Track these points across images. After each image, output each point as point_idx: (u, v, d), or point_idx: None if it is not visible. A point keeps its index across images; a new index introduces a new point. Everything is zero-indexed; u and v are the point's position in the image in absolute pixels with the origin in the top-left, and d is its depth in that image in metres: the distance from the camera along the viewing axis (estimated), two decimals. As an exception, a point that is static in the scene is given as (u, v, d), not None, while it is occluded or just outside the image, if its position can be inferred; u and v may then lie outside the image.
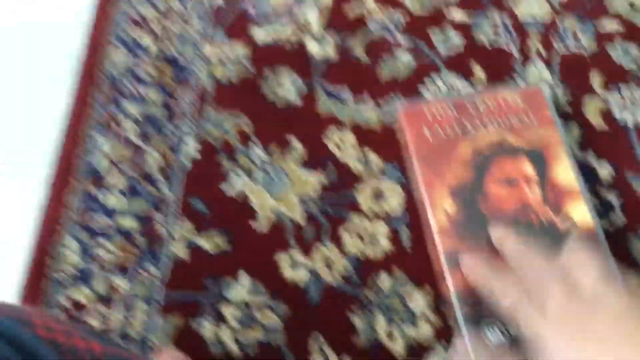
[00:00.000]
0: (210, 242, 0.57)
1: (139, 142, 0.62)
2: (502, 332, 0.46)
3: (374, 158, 0.60)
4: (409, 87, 0.63)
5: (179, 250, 0.57)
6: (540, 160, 0.53)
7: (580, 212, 0.51)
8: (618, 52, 0.63)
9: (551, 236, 0.50)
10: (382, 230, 0.57)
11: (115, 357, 0.36)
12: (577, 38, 0.63)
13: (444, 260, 0.50)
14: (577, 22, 0.64)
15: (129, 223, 0.58)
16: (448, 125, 0.55)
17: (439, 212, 0.52)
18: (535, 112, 0.55)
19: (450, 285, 0.49)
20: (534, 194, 0.52)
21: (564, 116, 0.60)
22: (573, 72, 0.62)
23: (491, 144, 0.54)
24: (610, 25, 0.64)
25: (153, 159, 0.61)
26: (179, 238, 0.58)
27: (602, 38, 0.63)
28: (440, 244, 0.51)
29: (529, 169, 0.53)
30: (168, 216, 0.59)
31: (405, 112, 0.56)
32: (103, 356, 0.35)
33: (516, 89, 0.57)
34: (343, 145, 0.61)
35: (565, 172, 0.52)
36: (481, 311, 0.46)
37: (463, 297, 0.48)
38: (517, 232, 0.49)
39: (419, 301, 0.54)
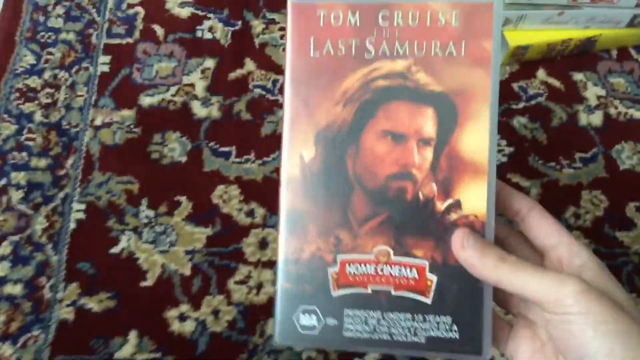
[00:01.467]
0: (98, 303, 0.58)
1: (25, 209, 0.63)
2: (318, 320, 0.37)
3: (258, 210, 0.63)
4: (289, 141, 0.67)
5: (66, 313, 0.58)
6: (450, 114, 0.36)
7: (475, 196, 0.36)
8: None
9: (424, 219, 0.37)
10: (267, 276, 0.60)
11: None
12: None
13: (283, 219, 0.38)
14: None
15: (14, 289, 0.59)
16: (344, 39, 0.37)
17: (294, 156, 0.38)
18: (472, 41, 0.36)
19: (281, 251, 0.37)
20: (422, 159, 0.36)
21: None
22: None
23: (388, 79, 0.37)
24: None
25: (39, 224, 0.62)
26: (66, 301, 0.58)
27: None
28: (282, 197, 0.38)
29: (428, 124, 0.36)
30: (54, 279, 0.59)
31: (295, 10, 0.37)
32: None
33: None
34: (229, 200, 0.64)
35: (477, 138, 0.36)
36: (304, 292, 0.37)
37: (290, 269, 0.37)
38: (377, 206, 0.37)
39: (303, 342, 0.57)
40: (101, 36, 0.73)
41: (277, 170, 0.65)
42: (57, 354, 0.56)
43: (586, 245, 0.35)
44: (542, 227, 0.36)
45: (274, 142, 0.67)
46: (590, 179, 0.66)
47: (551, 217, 0.36)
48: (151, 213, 0.63)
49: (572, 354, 0.31)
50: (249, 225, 0.63)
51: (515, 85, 0.71)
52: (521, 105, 0.70)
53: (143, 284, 0.60)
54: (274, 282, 0.59)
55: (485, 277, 0.34)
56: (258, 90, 0.70)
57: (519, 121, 0.69)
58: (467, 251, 0.34)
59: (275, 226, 0.63)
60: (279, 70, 0.71)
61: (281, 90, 0.70)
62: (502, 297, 0.38)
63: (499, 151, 0.67)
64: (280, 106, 0.69)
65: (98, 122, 0.67)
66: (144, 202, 0.63)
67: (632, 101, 0.72)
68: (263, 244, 0.62)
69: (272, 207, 0.64)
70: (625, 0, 0.70)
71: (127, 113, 0.68)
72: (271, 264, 0.60)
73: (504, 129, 0.68)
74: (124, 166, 0.65)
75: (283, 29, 0.74)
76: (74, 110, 0.68)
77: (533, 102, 0.70)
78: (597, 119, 0.70)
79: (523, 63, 0.73)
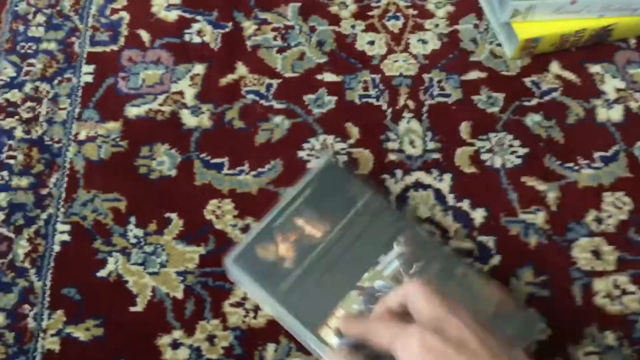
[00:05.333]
0: (84, 331, 0.54)
1: (6, 232, 0.59)
2: None
3: (254, 225, 0.59)
4: (286, 149, 0.63)
5: (51, 343, 0.54)
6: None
7: None
8: (482, 99, 0.65)
9: None
10: (265, 298, 0.56)
11: None
12: (443, 89, 0.66)
13: None
14: (442, 73, 0.67)
15: (-5, 320, 0.55)
16: None
17: None
18: None
19: None
20: None
21: (435, 165, 0.61)
22: (442, 122, 0.64)
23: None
24: (473, 74, 0.67)
25: (21, 248, 0.58)
26: (51, 330, 0.54)
27: (467, 86, 0.66)
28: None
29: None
30: (38, 307, 0.55)
31: None
32: None
33: None
34: (222, 214, 0.59)
35: None
36: None
37: None
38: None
39: (305, 368, 0.53)
40: (84, 44, 0.69)
41: (272, 182, 0.61)
42: (42, 389, 0.52)
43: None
44: None
45: (269, 151, 0.62)
46: (612, 179, 0.61)
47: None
48: (140, 232, 0.59)
49: None
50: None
51: (527, 81, 0.66)
52: (534, 101, 0.65)
53: (132, 309, 0.55)
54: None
55: None
56: (251, 96, 0.66)
57: (532, 119, 0.64)
58: None
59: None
60: (273, 73, 0.67)
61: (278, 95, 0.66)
62: None
63: (512, 152, 0.62)
64: (275, 112, 0.65)
65: (82, 136, 0.63)
66: (132, 220, 0.59)
67: (654, 93, 0.67)
68: (260, 262, 0.57)
69: (269, 221, 0.59)
70: (643, -15, 0.64)
71: (113, 125, 0.64)
72: (269, 284, 0.56)
73: (516, 128, 0.63)
74: (110, 183, 0.61)
75: (276, 29, 0.70)
76: (57, 125, 0.64)
77: (547, 98, 0.65)
78: (617, 113, 0.65)
79: (535, 56, 0.68)
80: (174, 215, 0.59)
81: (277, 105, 0.65)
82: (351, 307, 0.44)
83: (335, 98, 0.65)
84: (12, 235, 0.59)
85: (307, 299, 0.46)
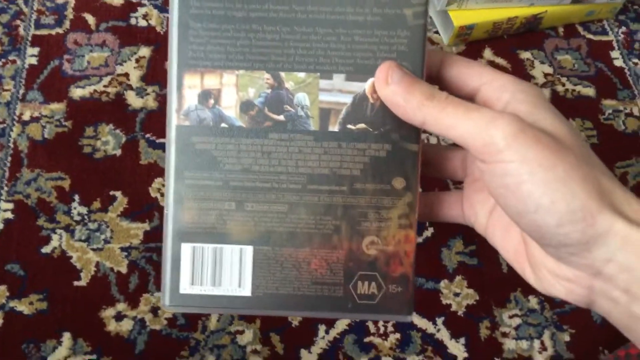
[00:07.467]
0: (28, 305, 0.55)
1: (-51, 210, 0.59)
2: None
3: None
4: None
5: (-7, 318, 0.54)
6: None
7: None
8: (420, 82, 0.68)
9: None
10: (208, 271, 0.57)
11: None
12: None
13: None
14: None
15: None
16: None
17: None
18: None
19: None
20: None
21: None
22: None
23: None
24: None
25: (-37, 226, 0.58)
26: (-8, 305, 0.55)
27: (405, 70, 0.69)
28: None
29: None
30: (-20, 283, 0.56)
31: None
32: None
33: None
34: (167, 192, 0.61)
35: None
36: None
37: None
38: None
39: (247, 335, 0.55)
40: (29, 27, 0.69)
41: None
42: (-16, 362, 0.53)
43: (515, 77, 0.28)
44: (461, 74, 0.30)
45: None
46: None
47: (469, 60, 0.30)
48: (84, 210, 0.60)
49: (511, 211, 0.26)
50: (189, 218, 0.60)
51: (461, 65, 0.70)
52: (467, 85, 0.68)
53: (76, 283, 0.56)
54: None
55: (409, 117, 0.28)
56: (196, 78, 0.67)
57: (465, 101, 0.67)
58: (390, 87, 0.28)
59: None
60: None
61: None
62: (441, 163, 0.34)
63: (445, 132, 0.65)
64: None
65: (26, 116, 0.64)
66: (76, 198, 0.60)
67: (580, 78, 0.71)
68: (204, 237, 0.59)
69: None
70: (568, -24, 0.69)
71: (57, 106, 0.64)
72: (212, 257, 0.58)
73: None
74: (54, 162, 0.62)
75: (222, 14, 0.71)
76: (1, 106, 0.64)
77: (479, 82, 0.69)
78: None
79: (469, 43, 0.72)
80: (118, 193, 0.61)
81: (221, 87, 0.67)
82: (245, 90, 0.29)
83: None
84: (-46, 213, 0.59)
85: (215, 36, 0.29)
